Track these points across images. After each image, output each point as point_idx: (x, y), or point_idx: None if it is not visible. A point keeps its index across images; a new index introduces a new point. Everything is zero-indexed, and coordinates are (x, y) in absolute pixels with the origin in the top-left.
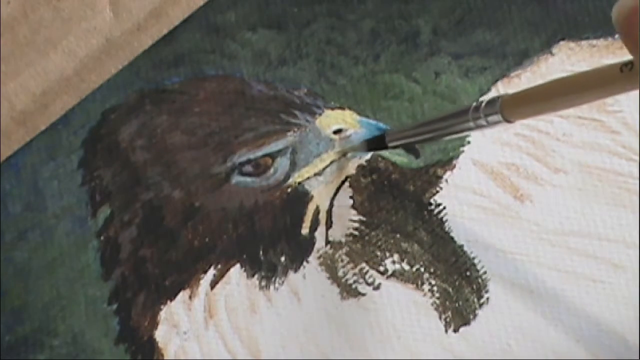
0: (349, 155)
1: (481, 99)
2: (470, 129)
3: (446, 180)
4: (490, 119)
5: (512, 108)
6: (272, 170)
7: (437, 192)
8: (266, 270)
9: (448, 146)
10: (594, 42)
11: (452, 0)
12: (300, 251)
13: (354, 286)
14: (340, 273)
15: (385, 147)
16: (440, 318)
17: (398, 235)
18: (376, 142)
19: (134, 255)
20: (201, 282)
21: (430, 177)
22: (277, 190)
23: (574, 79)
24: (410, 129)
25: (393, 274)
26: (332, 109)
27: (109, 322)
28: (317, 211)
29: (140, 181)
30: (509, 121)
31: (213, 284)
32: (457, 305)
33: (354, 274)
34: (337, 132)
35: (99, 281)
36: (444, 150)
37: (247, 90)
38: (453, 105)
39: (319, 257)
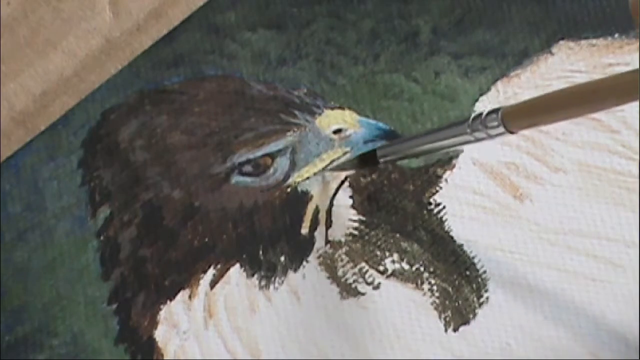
0: (348, 156)
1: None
2: (468, 142)
3: (446, 180)
4: (491, 131)
5: (516, 119)
6: (271, 170)
7: (437, 191)
8: (266, 270)
9: None
10: (594, 41)
11: (451, 0)
12: (299, 251)
13: (353, 286)
14: (339, 272)
15: (377, 164)
16: (439, 317)
17: (398, 235)
18: (367, 159)
19: (134, 255)
20: (201, 282)
21: (430, 177)
22: (277, 190)
23: (583, 88)
24: (403, 143)
25: (393, 274)
26: (332, 108)
27: (108, 322)
28: (316, 211)
29: (140, 181)
30: (512, 132)
31: (213, 284)
32: (456, 304)
33: (354, 274)
34: (337, 131)
35: (98, 281)
36: None
37: (246, 90)
38: (453, 104)
39: (318, 257)
